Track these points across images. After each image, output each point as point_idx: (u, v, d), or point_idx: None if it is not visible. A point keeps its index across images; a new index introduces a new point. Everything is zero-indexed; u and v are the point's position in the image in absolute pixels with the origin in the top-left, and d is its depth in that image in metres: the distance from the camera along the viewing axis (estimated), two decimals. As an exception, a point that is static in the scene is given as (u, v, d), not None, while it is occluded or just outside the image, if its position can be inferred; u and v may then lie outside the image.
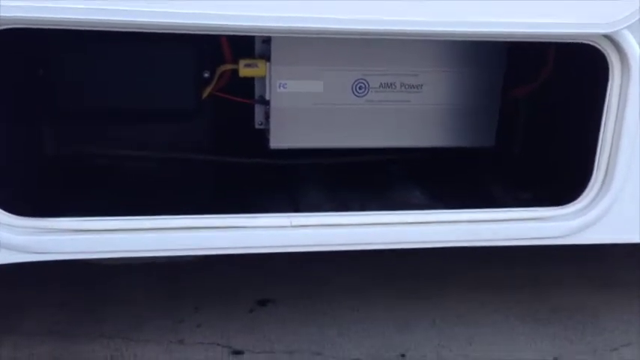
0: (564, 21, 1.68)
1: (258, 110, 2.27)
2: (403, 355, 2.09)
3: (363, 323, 2.23)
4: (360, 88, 2.22)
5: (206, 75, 2.23)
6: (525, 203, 2.03)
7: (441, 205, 2.05)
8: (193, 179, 2.30)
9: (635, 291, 2.51)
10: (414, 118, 2.27)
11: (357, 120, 2.24)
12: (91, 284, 2.35)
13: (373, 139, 2.28)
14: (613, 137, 1.85)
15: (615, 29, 1.69)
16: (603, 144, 1.86)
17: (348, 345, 2.13)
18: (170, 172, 2.33)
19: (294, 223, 1.82)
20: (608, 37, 1.72)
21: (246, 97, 2.25)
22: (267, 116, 2.23)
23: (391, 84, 2.23)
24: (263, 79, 2.17)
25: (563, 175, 2.11)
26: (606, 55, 1.76)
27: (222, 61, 2.20)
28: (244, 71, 2.14)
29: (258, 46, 2.19)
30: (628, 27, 1.70)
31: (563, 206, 1.93)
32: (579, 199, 1.92)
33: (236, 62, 2.14)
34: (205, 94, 2.24)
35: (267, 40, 2.13)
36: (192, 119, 2.36)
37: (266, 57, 2.14)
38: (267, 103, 2.19)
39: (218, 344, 2.10)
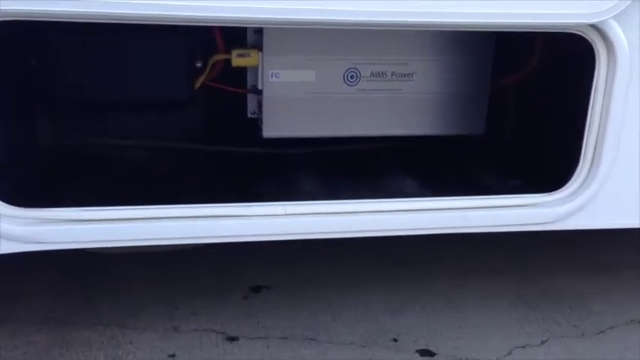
0: (551, 11, 1.71)
1: (251, 100, 2.28)
2: (396, 340, 2.13)
3: (356, 309, 2.27)
4: (351, 77, 2.24)
5: (199, 65, 2.24)
6: (514, 190, 2.06)
7: (431, 193, 2.08)
8: (187, 168, 2.31)
9: (622, 275, 2.56)
10: (405, 107, 2.29)
11: (348, 109, 2.26)
12: (87, 273, 2.37)
13: (365, 128, 2.30)
14: (599, 125, 1.88)
15: (601, 19, 1.72)
16: (590, 131, 1.89)
17: (341, 330, 2.16)
18: (163, 161, 2.34)
19: (288, 212, 1.85)
20: (594, 26, 1.75)
21: (238, 86, 2.27)
22: (259, 105, 2.24)
23: (382, 73, 2.25)
24: (255, 68, 2.18)
25: (551, 162, 2.15)
26: (593, 44, 1.78)
27: (215, 51, 2.21)
28: (237, 61, 2.15)
29: (250, 36, 2.19)
30: (614, 17, 1.73)
31: (552, 193, 1.96)
32: (567, 185, 1.95)
33: (228, 52, 2.15)
34: (198, 84, 2.25)
35: (259, 31, 2.14)
36: (185, 109, 2.37)
37: (258, 47, 2.15)
38: (259, 92, 2.20)
39: (213, 331, 2.13)
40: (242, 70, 2.23)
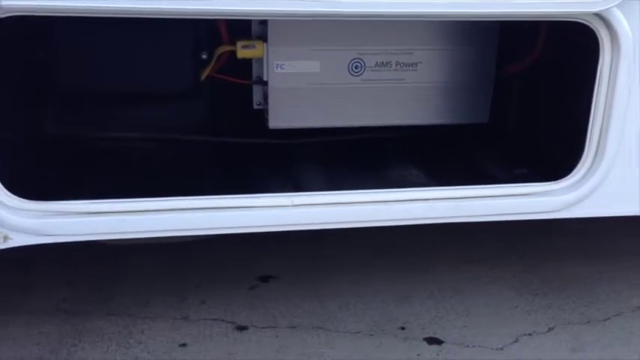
0: (556, 0, 1.71)
1: (257, 91, 2.29)
2: (403, 328, 2.15)
3: (364, 297, 2.28)
4: (356, 67, 2.25)
5: (204, 57, 2.26)
6: (519, 179, 2.07)
7: (436, 182, 2.09)
8: (193, 160, 2.32)
9: (626, 262, 2.56)
10: (410, 96, 2.30)
11: (353, 99, 2.27)
12: (98, 264, 2.40)
13: (370, 118, 2.31)
14: (604, 113, 1.88)
15: (605, 7, 1.72)
16: (594, 120, 1.90)
17: (349, 319, 2.18)
18: (170, 153, 2.35)
19: (295, 203, 1.86)
20: (598, 15, 1.76)
21: (244, 78, 2.28)
22: (265, 97, 2.26)
23: (387, 63, 2.25)
24: (260, 60, 2.20)
25: (555, 150, 2.15)
26: (597, 33, 1.79)
27: (220, 43, 2.22)
28: (242, 52, 2.17)
29: (255, 28, 2.21)
30: (618, 5, 1.73)
31: (557, 181, 1.97)
32: (572, 173, 1.96)
33: (233, 44, 2.17)
34: (204, 76, 2.27)
35: (264, 22, 2.15)
36: (191, 101, 2.38)
37: (263, 38, 2.17)
38: (265, 83, 2.21)
39: (222, 320, 2.15)
40: (247, 62, 2.24)
